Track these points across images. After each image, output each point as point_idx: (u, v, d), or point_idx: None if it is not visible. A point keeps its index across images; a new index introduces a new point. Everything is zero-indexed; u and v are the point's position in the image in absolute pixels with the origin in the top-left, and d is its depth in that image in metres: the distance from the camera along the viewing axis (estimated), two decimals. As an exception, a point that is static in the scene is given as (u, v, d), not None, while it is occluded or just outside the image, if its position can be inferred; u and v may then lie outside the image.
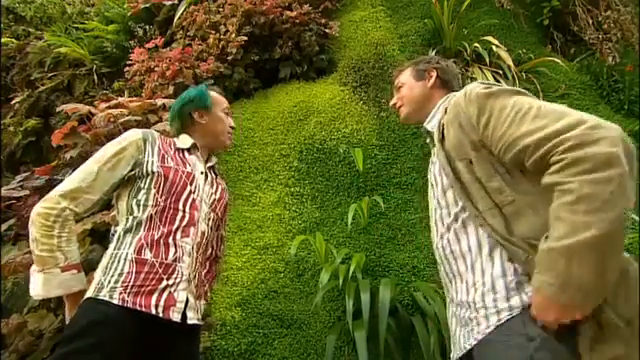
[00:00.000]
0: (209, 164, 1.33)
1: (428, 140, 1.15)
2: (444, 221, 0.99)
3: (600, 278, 0.71)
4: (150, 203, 1.13)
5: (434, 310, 1.77)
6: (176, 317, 1.08)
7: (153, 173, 1.15)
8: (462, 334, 0.92)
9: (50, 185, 2.39)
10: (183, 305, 1.10)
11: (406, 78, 1.22)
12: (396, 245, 2.17)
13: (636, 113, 2.64)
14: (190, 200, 1.17)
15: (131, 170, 1.16)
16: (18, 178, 2.39)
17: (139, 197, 1.14)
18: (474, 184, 0.90)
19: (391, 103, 1.27)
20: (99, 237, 2.12)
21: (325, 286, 1.84)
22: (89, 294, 1.06)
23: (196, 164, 1.26)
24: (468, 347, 0.89)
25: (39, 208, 1.08)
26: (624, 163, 0.73)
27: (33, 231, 1.07)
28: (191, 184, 1.19)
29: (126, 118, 2.30)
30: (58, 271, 1.06)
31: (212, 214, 1.25)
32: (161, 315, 1.05)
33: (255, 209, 2.33)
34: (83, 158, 2.33)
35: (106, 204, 1.32)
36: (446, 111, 1.00)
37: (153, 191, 1.14)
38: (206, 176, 1.28)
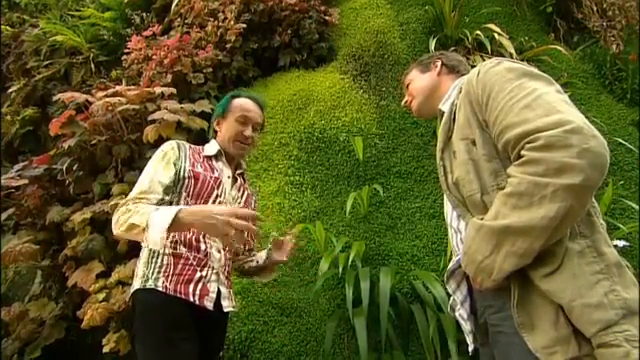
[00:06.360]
0: (239, 171, 1.42)
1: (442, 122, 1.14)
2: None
3: (490, 260, 0.81)
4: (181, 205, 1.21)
5: (433, 298, 1.78)
6: (209, 305, 1.19)
7: (185, 178, 1.24)
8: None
9: (49, 174, 2.38)
10: (215, 295, 1.21)
11: (413, 74, 1.25)
12: (396, 234, 2.18)
13: (639, 102, 2.61)
14: (217, 203, 1.27)
15: (174, 171, 1.24)
16: (16, 167, 2.37)
17: (172, 200, 1.23)
18: (468, 164, 0.91)
19: (402, 103, 1.28)
20: (99, 226, 2.12)
21: (325, 274, 1.85)
22: (137, 286, 1.18)
23: (223, 169, 1.35)
24: None
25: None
26: (582, 176, 0.72)
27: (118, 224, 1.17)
28: (218, 188, 1.29)
29: (124, 107, 2.28)
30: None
31: None
32: (197, 303, 1.17)
33: (255, 198, 2.33)
34: (82, 148, 2.32)
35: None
36: (461, 91, 1.00)
37: (184, 194, 1.23)
38: (235, 180, 1.38)
